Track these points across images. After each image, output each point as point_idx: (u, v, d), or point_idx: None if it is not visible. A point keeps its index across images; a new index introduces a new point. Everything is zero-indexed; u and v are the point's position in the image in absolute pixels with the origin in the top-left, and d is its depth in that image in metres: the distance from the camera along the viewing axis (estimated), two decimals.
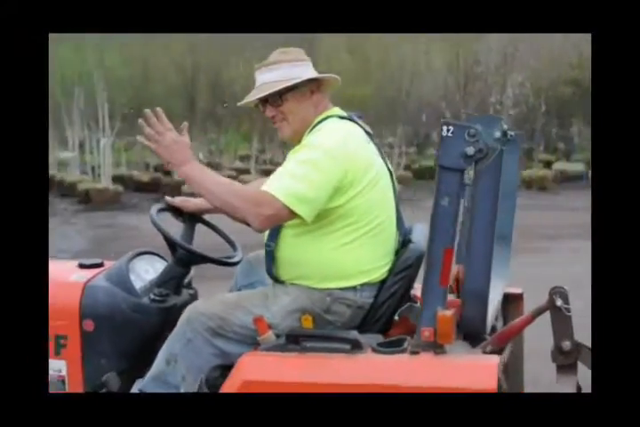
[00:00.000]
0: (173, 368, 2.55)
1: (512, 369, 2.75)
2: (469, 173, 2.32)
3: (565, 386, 2.48)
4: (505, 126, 2.45)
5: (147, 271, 2.93)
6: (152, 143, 2.54)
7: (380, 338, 2.47)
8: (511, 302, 2.97)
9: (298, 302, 2.52)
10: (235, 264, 2.93)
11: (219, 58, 17.33)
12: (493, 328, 2.64)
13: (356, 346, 2.32)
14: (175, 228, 2.88)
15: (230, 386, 2.35)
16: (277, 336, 2.42)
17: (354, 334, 2.38)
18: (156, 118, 2.55)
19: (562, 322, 2.41)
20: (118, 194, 15.62)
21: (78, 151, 18.48)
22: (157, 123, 2.53)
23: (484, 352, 2.40)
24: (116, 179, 16.40)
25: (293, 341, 2.37)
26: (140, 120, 2.56)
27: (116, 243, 10.49)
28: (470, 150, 2.23)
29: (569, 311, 2.39)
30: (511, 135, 2.51)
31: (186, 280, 2.94)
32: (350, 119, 2.65)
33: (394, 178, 2.72)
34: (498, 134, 2.39)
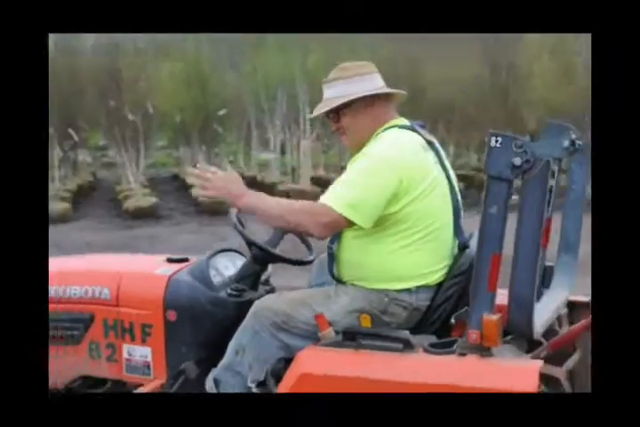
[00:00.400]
0: (241, 358, 2.69)
1: (581, 375, 2.75)
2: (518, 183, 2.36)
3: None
4: (574, 136, 2.56)
5: (227, 267, 3.10)
6: (209, 191, 2.70)
7: (433, 339, 2.55)
8: (578, 310, 2.97)
9: (356, 302, 2.63)
10: (305, 264, 3.08)
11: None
12: (555, 334, 2.69)
13: (408, 345, 2.42)
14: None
15: (289, 378, 2.48)
16: (337, 333, 2.53)
17: (405, 333, 2.46)
18: (196, 170, 2.70)
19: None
20: (316, 196, 15.83)
21: (279, 152, 18.94)
22: (201, 172, 2.68)
23: (539, 357, 2.45)
24: (315, 180, 16.63)
25: (350, 338, 2.48)
26: (190, 180, 2.65)
27: (314, 243, 10.63)
28: (517, 161, 2.27)
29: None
30: (579, 145, 2.63)
31: (264, 278, 3.09)
32: (412, 129, 2.73)
33: (454, 185, 2.77)
34: (566, 144, 2.51)
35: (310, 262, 3.09)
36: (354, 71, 2.76)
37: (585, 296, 2.91)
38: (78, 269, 3.36)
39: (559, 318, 2.84)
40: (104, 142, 21.82)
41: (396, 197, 2.55)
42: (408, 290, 2.63)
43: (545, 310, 2.65)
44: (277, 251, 2.97)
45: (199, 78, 16.54)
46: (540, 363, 2.36)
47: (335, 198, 2.54)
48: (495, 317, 2.33)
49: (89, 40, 16.46)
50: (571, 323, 2.92)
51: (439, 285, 2.66)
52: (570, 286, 2.95)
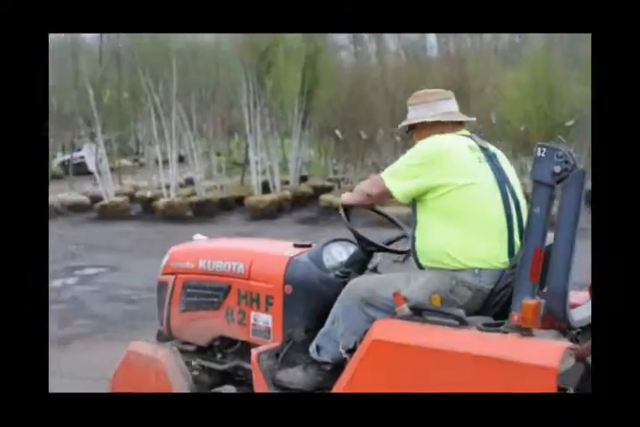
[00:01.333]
0: (336, 327, 3.15)
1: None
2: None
3: None
4: (568, 161, 2.74)
5: (340, 254, 3.61)
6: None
7: (489, 320, 2.88)
8: None
9: (429, 283, 3.01)
10: (404, 253, 3.46)
11: None
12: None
13: (463, 322, 2.78)
14: None
15: (365, 343, 2.91)
16: (411, 309, 2.89)
17: (460, 312, 2.81)
18: None
19: None
20: None
21: None
22: None
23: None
24: None
25: (417, 313, 2.88)
26: None
27: None
28: (557, 169, 2.65)
29: None
30: (572, 170, 2.79)
31: (372, 265, 3.56)
32: (469, 136, 3.21)
33: (511, 185, 3.12)
34: (558, 169, 2.75)
35: (407, 252, 3.42)
36: (421, 99, 3.33)
37: None
38: (224, 248, 4.06)
39: None
40: None
41: (440, 184, 3.00)
42: (472, 272, 2.97)
43: (586, 307, 2.89)
44: (379, 243, 3.43)
45: (547, 87, 16.37)
46: (566, 343, 2.61)
47: (385, 172, 3.18)
48: (533, 301, 2.64)
49: None
50: None
51: (502, 271, 2.98)
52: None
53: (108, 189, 14.66)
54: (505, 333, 2.68)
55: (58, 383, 3.83)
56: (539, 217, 2.69)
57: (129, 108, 17.09)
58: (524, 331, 2.65)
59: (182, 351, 3.92)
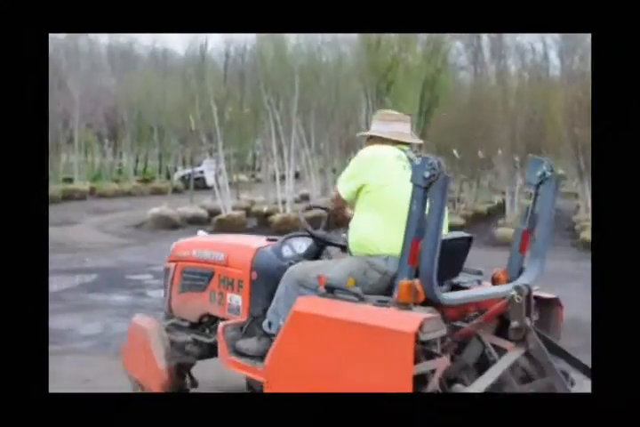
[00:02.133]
0: (279, 304, 3.76)
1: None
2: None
3: (514, 354, 3.31)
4: (545, 167, 3.56)
5: (300, 247, 4.22)
6: None
7: (383, 297, 3.40)
8: (548, 305, 3.67)
9: (347, 267, 3.62)
10: (344, 246, 3.96)
11: None
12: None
13: (361, 299, 3.39)
14: None
15: (289, 315, 3.52)
16: (325, 288, 3.50)
17: (358, 290, 3.42)
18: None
19: (514, 308, 3.31)
20: None
21: None
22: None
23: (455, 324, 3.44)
24: None
25: (330, 291, 3.49)
26: None
27: None
28: (427, 174, 3.15)
29: (519, 300, 3.29)
30: (549, 174, 3.57)
31: (328, 256, 4.20)
32: (403, 150, 3.74)
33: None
34: (539, 173, 3.59)
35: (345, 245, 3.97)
36: (382, 117, 3.92)
37: (552, 294, 3.67)
38: (212, 241, 4.84)
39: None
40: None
41: (364, 184, 3.59)
42: (382, 258, 3.53)
43: (471, 291, 3.64)
44: (328, 238, 4.12)
45: None
46: (423, 315, 3.12)
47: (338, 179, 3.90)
48: (407, 282, 3.25)
49: None
50: (542, 316, 3.62)
51: None
52: (533, 282, 3.59)
53: (226, 204, 15.02)
54: (388, 307, 3.28)
55: None
56: (415, 213, 3.23)
57: (249, 124, 17.51)
58: (403, 306, 3.24)
59: (179, 327, 4.60)
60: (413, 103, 14.42)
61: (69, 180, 24.86)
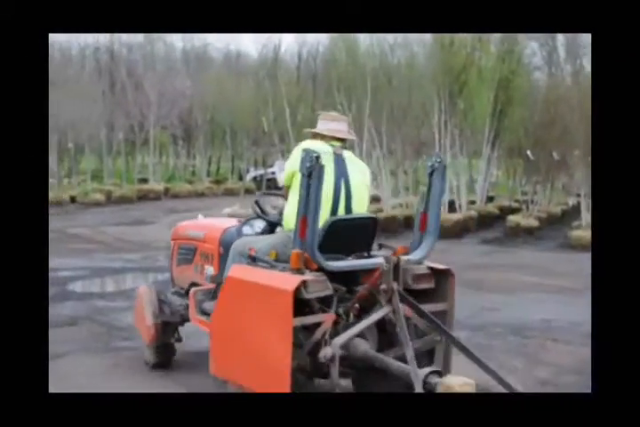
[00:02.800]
0: (226, 271, 4.45)
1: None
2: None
3: (382, 312, 4.00)
4: (435, 159, 4.28)
5: (259, 226, 5.01)
6: None
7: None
8: (443, 275, 4.33)
9: (273, 241, 4.43)
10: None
11: None
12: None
13: (272, 266, 4.18)
14: None
15: (225, 280, 4.36)
16: (249, 257, 4.33)
17: (270, 260, 4.22)
18: None
19: (384, 275, 3.97)
20: None
21: None
22: None
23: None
24: None
25: (253, 260, 4.30)
26: None
27: None
28: (307, 164, 3.85)
29: (387, 268, 3.95)
30: (437, 165, 4.25)
31: None
32: (332, 145, 4.48)
33: (348, 185, 4.41)
34: (430, 164, 4.29)
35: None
36: (324, 117, 4.64)
37: (444, 265, 4.33)
38: (199, 223, 5.75)
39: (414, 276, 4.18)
40: None
41: (294, 171, 4.21)
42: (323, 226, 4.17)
43: (354, 261, 4.28)
44: (277, 220, 4.76)
45: None
46: (301, 277, 3.86)
47: None
48: (296, 251, 3.95)
49: None
50: (437, 287, 4.30)
51: None
52: (422, 257, 4.28)
53: None
54: (286, 272, 4.00)
55: None
56: (302, 196, 3.90)
57: None
58: (297, 271, 3.95)
59: (179, 294, 5.54)
60: (487, 104, 14.28)
61: (144, 180, 25.37)
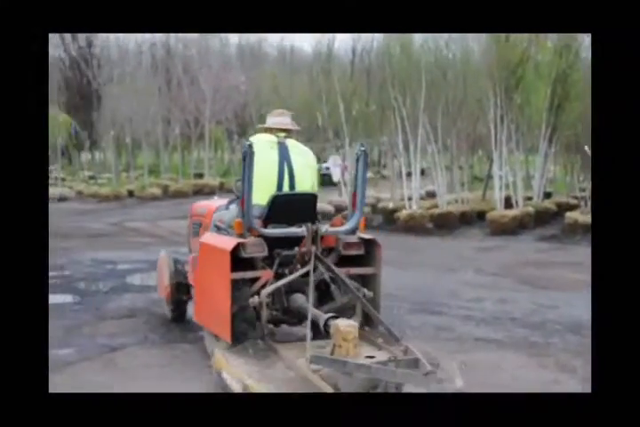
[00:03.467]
0: None
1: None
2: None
3: (301, 271, 5.04)
4: (360, 147, 5.21)
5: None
6: None
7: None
8: (371, 244, 5.30)
9: (236, 214, 5.24)
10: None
11: None
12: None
13: (228, 233, 5.29)
14: None
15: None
16: (215, 227, 5.61)
17: (225, 227, 5.36)
18: None
19: (307, 240, 5.00)
20: None
21: None
22: None
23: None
24: None
25: (219, 229, 5.47)
26: None
27: None
28: (243, 151, 4.95)
29: (307, 234, 4.98)
30: (361, 152, 5.16)
31: None
32: (277, 136, 5.55)
33: (291, 168, 5.42)
34: (356, 152, 5.26)
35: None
36: (272, 114, 5.73)
37: (370, 235, 5.32)
38: (207, 202, 6.64)
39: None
40: None
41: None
42: (257, 207, 5.14)
43: (286, 229, 5.17)
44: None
45: None
46: (238, 240, 4.92)
47: None
48: (238, 220, 5.03)
49: None
50: (367, 252, 5.29)
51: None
52: (353, 228, 5.29)
53: None
54: (234, 236, 5.07)
55: None
56: (244, 177, 4.94)
57: (375, 121, 17.58)
58: (240, 236, 5.01)
59: None
60: (544, 99, 14.08)
61: (200, 175, 25.64)
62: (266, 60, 33.93)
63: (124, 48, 31.13)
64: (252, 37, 33.45)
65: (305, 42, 55.07)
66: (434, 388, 3.76)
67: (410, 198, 14.69)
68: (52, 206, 13.55)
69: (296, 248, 5.09)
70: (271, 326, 5.13)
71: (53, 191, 21.20)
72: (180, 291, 6.47)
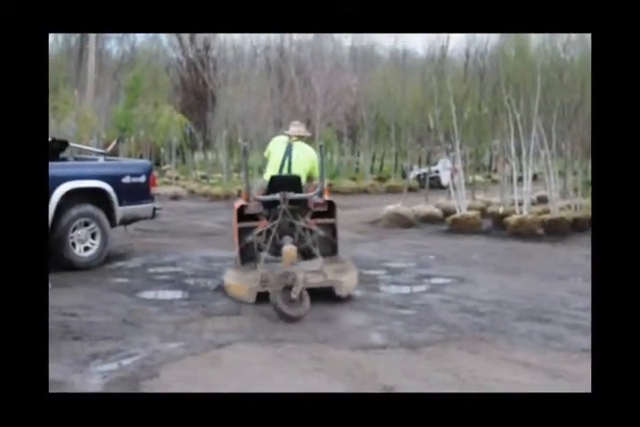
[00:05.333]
0: None
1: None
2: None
3: (270, 224, 8.02)
4: (318, 143, 9.63)
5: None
6: None
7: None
8: (331, 205, 8.30)
9: (260, 187, 8.39)
10: None
11: None
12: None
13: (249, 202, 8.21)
14: None
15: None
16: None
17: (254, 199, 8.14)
18: None
19: (282, 203, 7.81)
20: None
21: None
22: None
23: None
24: None
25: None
26: None
27: None
28: (242, 150, 8.56)
29: (279, 199, 7.78)
30: (320, 146, 8.32)
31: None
32: (285, 138, 8.70)
33: (291, 161, 8.37)
34: (318, 145, 8.48)
35: None
36: (291, 124, 8.91)
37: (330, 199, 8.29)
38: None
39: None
40: None
41: (269, 151, 8.67)
42: (264, 182, 8.35)
43: (273, 196, 7.94)
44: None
45: None
46: (242, 203, 8.10)
47: None
48: (244, 191, 8.15)
49: None
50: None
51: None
52: (317, 194, 8.03)
53: (461, 203, 14.94)
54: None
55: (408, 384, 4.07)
56: (241, 167, 9.69)
57: (487, 124, 17.29)
58: (246, 201, 8.09)
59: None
60: None
61: None
62: (378, 62, 33.92)
63: (240, 51, 31.74)
64: (365, 40, 33.54)
65: (418, 44, 54.87)
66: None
67: (520, 203, 14.37)
68: (166, 204, 13.95)
69: (278, 206, 7.79)
70: (266, 254, 7.70)
71: (167, 190, 21.82)
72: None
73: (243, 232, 8.00)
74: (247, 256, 7.98)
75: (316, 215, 8.17)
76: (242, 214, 8.00)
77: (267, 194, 7.93)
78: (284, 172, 8.27)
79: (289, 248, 7.27)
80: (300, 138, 8.61)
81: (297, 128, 8.66)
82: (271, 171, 8.34)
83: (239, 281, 7.58)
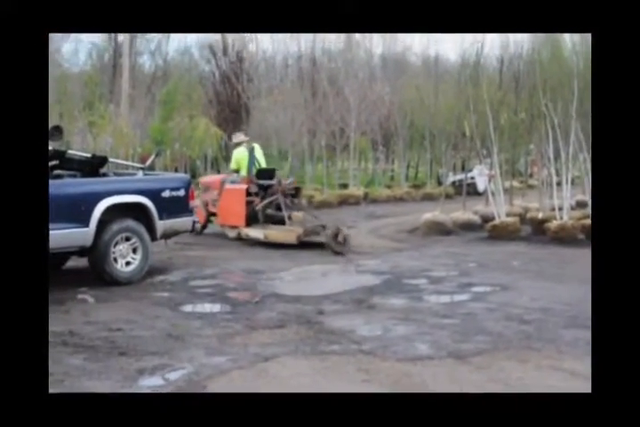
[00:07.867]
0: None
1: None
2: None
3: (266, 200, 13.50)
4: (249, 145, 14.54)
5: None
6: None
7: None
8: (298, 189, 14.10)
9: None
10: None
11: None
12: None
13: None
14: None
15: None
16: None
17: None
18: None
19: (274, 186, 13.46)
20: None
21: None
22: None
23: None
24: None
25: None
26: None
27: None
28: (249, 151, 14.25)
29: (276, 184, 13.36)
30: (251, 147, 14.41)
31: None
32: (245, 145, 14.51)
33: (258, 160, 14.12)
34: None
35: None
36: (233, 135, 15.86)
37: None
38: (210, 177, 17.11)
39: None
40: None
41: (237, 159, 14.35)
42: (238, 175, 14.26)
43: (268, 181, 13.64)
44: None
45: None
46: (247, 186, 13.51)
47: None
48: (247, 177, 13.81)
49: None
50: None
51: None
52: (291, 182, 13.65)
53: (500, 210, 14.82)
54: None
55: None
56: (249, 163, 13.91)
57: (523, 129, 17.16)
58: (247, 183, 13.67)
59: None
60: None
61: (344, 185, 25.84)
62: (410, 69, 33.85)
63: (272, 62, 31.89)
64: (397, 47, 33.51)
65: (450, 50, 54.70)
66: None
67: (560, 208, 14.21)
68: None
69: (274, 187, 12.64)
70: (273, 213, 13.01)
71: None
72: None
73: (247, 204, 13.07)
74: (252, 219, 13.00)
75: (292, 196, 13.42)
76: (248, 192, 13.15)
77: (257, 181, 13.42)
78: (257, 166, 13.78)
79: (297, 214, 13.40)
80: (246, 142, 14.46)
81: (242, 136, 14.88)
82: (244, 168, 13.87)
83: (279, 230, 12.62)
